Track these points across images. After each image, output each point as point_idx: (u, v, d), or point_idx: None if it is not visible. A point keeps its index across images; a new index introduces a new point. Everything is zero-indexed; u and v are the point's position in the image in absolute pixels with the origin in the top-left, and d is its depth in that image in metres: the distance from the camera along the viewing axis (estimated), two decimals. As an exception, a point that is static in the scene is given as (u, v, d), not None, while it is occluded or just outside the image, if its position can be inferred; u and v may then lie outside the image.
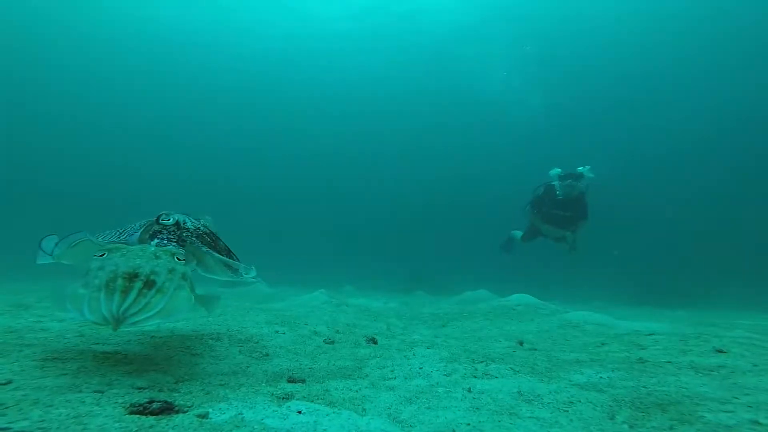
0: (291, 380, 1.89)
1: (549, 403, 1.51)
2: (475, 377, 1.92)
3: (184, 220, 2.11)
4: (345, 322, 3.77)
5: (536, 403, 1.51)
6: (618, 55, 22.67)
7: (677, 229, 22.58)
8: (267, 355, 2.43)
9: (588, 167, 10.84)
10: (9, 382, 1.50)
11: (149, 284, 1.53)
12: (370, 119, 28.57)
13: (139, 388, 1.54)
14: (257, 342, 2.68)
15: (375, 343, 2.97)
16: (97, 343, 2.33)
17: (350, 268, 15.86)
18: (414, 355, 2.45)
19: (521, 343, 3.07)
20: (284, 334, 2.98)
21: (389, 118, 28.26)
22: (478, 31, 21.69)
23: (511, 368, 2.02)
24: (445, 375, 2.02)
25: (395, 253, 21.90)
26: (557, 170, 10.92)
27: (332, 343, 2.89)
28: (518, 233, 10.68)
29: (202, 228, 2.17)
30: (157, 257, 1.68)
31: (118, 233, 2.08)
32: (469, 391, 1.67)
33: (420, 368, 2.13)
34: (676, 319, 5.43)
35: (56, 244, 1.91)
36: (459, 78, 24.88)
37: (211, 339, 2.60)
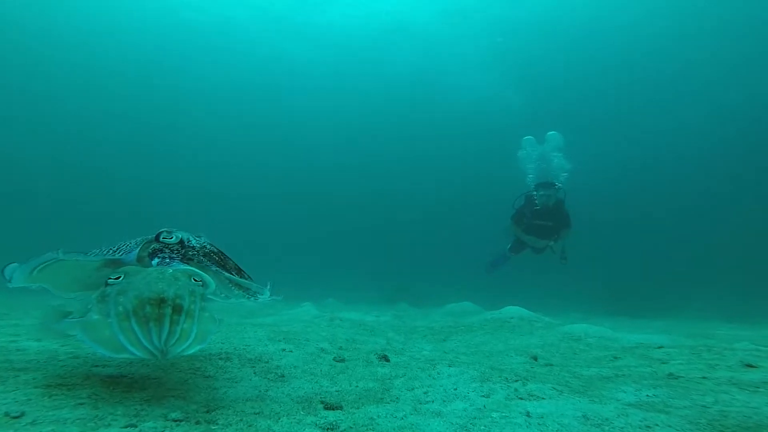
0: (328, 407, 1.75)
1: (622, 428, 1.42)
2: (520, 399, 1.82)
3: (188, 238, 1.95)
4: (345, 338, 3.64)
5: (608, 428, 1.43)
6: (596, 52, 22.23)
7: (643, 238, 23.19)
8: (282, 376, 2.27)
9: (555, 132, 11.14)
10: (22, 414, 1.31)
11: (177, 309, 1.41)
12: (345, 129, 28.41)
13: (175, 420, 1.37)
14: (267, 362, 2.52)
15: (387, 360, 2.85)
16: (97, 366, 2.13)
17: (330, 279, 15.55)
18: (439, 374, 2.34)
19: (535, 359, 3.01)
20: (291, 352, 2.83)
21: (365, 127, 28.16)
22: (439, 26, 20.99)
23: (553, 387, 1.93)
24: (484, 396, 1.91)
25: (373, 265, 21.61)
26: (529, 138, 11.21)
27: (343, 361, 2.75)
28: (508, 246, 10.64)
29: (208, 246, 2.02)
30: (176, 279, 1.54)
31: (111, 251, 1.90)
32: (528, 415, 1.57)
33: (454, 389, 2.02)
34: (661, 330, 5.51)
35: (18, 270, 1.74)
36: (438, 82, 24.57)
37: (220, 359, 2.43)
